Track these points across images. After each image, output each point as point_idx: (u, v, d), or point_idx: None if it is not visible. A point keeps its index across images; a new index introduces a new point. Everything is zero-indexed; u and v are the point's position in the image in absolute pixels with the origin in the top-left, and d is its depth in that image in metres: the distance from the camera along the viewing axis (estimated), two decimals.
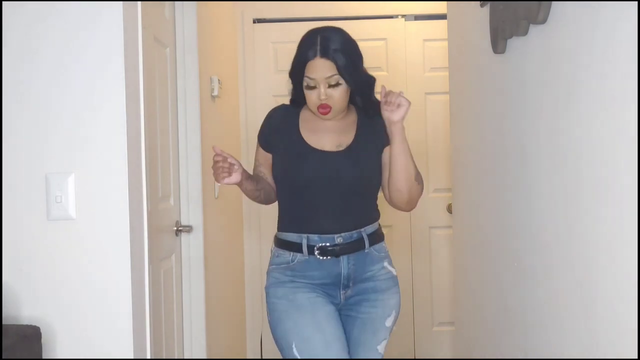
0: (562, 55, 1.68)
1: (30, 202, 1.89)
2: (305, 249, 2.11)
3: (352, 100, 2.16)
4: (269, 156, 2.22)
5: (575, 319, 1.65)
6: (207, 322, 2.96)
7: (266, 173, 2.24)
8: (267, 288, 2.18)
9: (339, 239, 2.11)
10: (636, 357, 1.31)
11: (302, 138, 2.16)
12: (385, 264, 2.19)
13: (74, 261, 1.90)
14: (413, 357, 4.27)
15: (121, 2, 1.89)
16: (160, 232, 2.58)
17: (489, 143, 2.40)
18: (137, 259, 1.96)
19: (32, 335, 1.76)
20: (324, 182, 2.11)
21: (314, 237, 2.11)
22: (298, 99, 2.19)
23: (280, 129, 2.19)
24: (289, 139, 2.17)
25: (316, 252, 2.10)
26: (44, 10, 1.89)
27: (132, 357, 1.91)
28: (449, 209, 3.49)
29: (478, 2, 2.34)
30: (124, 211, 1.89)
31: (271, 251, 2.21)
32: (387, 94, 2.11)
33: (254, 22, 4.23)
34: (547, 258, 1.83)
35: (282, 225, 2.19)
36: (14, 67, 1.89)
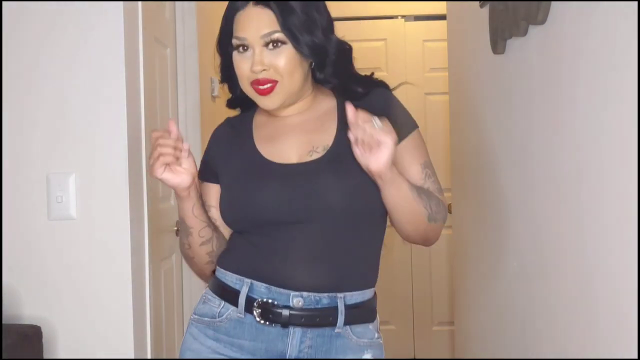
0: (561, 55, 1.68)
1: (31, 202, 1.89)
2: (242, 300, 1.40)
3: (316, 77, 1.48)
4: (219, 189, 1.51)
5: (575, 318, 1.65)
6: None
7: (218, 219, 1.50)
8: (181, 349, 1.49)
9: (296, 299, 1.38)
10: (636, 357, 1.31)
11: (254, 149, 1.48)
12: (368, 356, 1.44)
13: (74, 261, 1.90)
14: (413, 357, 4.27)
15: (121, 2, 1.89)
16: (161, 232, 2.58)
17: (489, 143, 2.40)
18: (138, 259, 1.96)
19: (33, 335, 1.76)
20: (288, 212, 1.39)
21: (261, 287, 1.40)
22: (235, 91, 1.52)
23: (226, 147, 1.54)
24: (238, 155, 1.50)
25: (255, 311, 1.39)
26: (44, 11, 1.89)
27: (132, 357, 1.91)
28: (449, 209, 3.49)
29: (478, 3, 2.34)
30: (125, 211, 1.90)
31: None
32: (357, 117, 1.29)
33: None
34: (547, 258, 1.84)
35: (224, 259, 1.48)
36: (14, 67, 1.89)
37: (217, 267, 1.48)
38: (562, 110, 1.69)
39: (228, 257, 1.47)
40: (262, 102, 1.43)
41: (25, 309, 1.89)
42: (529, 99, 1.94)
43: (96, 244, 1.90)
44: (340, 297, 1.40)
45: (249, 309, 1.40)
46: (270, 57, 1.38)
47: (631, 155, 1.31)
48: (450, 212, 3.32)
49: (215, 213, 1.49)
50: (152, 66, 2.44)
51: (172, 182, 1.40)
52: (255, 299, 1.39)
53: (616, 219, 1.41)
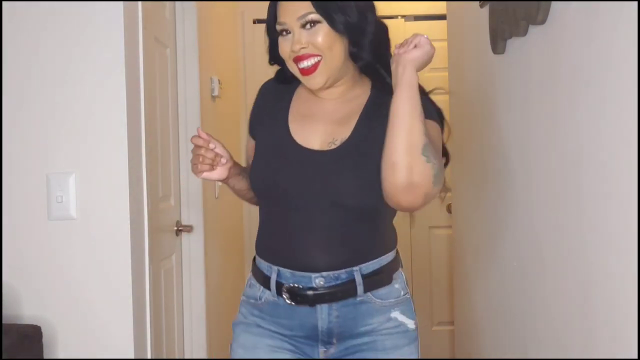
0: (561, 55, 1.68)
1: (31, 202, 1.89)
2: (273, 286, 1.55)
3: (353, 57, 1.54)
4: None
5: (575, 318, 1.65)
6: (207, 322, 2.96)
7: None
8: (233, 324, 1.67)
9: (318, 280, 1.50)
10: (636, 357, 1.31)
11: (287, 127, 1.58)
12: (395, 314, 1.54)
13: (74, 261, 1.90)
14: None
15: (121, 2, 1.89)
16: (161, 232, 2.58)
17: (489, 143, 2.40)
18: (138, 259, 1.96)
19: (33, 335, 1.76)
20: (303, 196, 1.50)
21: (286, 272, 1.53)
22: (286, 71, 1.60)
23: (266, 108, 1.65)
24: (273, 125, 1.61)
25: (284, 295, 1.53)
26: (44, 11, 1.89)
27: (132, 357, 1.91)
28: (449, 209, 3.49)
29: (478, 3, 2.34)
30: (125, 211, 1.90)
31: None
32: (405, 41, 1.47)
33: (254, 22, 4.23)
34: (547, 258, 1.84)
35: (258, 247, 1.63)
36: (15, 68, 1.89)
37: (256, 254, 1.63)
38: (562, 110, 1.69)
39: (260, 245, 1.62)
40: (308, 81, 1.53)
41: (25, 309, 1.89)
42: (528, 99, 1.94)
43: (96, 244, 1.90)
44: (356, 270, 1.52)
45: (279, 292, 1.55)
46: (307, 36, 1.49)
47: (631, 154, 1.31)
48: (450, 212, 3.32)
49: None
50: (152, 66, 2.44)
51: (212, 178, 1.60)
52: (283, 284, 1.53)
53: (616, 219, 1.41)
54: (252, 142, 1.66)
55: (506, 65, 2.14)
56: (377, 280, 1.53)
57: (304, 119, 1.58)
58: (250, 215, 4.20)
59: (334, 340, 1.55)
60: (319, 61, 1.50)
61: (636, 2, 1.28)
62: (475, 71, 2.57)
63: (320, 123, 1.56)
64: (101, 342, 1.90)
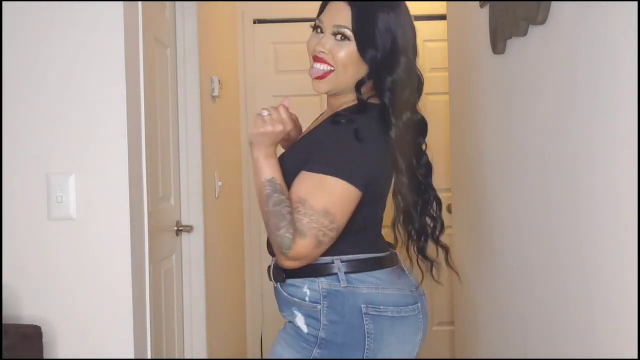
0: (561, 55, 1.68)
1: (31, 202, 1.89)
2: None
3: (357, 85, 1.60)
4: None
5: (575, 318, 1.65)
6: (207, 322, 2.96)
7: None
8: None
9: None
10: (636, 357, 1.31)
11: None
12: (297, 312, 1.60)
13: (74, 261, 1.90)
14: (413, 357, 4.27)
15: (121, 2, 1.89)
16: (161, 232, 2.58)
17: (489, 143, 2.40)
18: (138, 259, 1.96)
19: (33, 335, 1.76)
20: None
21: None
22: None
23: None
24: None
25: None
26: (44, 11, 1.89)
27: (132, 357, 1.91)
28: (449, 209, 3.49)
29: (478, 3, 2.34)
30: (125, 211, 1.90)
31: None
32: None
33: (254, 22, 4.23)
34: (547, 258, 1.84)
35: None
36: (15, 68, 1.89)
37: None
38: (562, 110, 1.69)
39: None
40: (314, 84, 1.62)
41: (25, 309, 1.89)
42: (528, 99, 1.94)
43: (96, 244, 1.90)
44: (273, 259, 1.63)
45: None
46: (333, 45, 1.57)
47: (631, 154, 1.31)
48: (450, 212, 3.32)
49: None
50: (152, 66, 2.44)
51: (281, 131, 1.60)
52: None
53: (616, 219, 1.41)
54: None
55: (506, 65, 2.14)
56: (277, 274, 1.62)
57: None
58: (250, 215, 4.20)
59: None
60: (330, 71, 1.58)
61: (636, 2, 1.28)
62: (475, 71, 2.57)
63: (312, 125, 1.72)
64: (101, 342, 1.90)
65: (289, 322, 1.64)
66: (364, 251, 1.61)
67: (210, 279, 3.05)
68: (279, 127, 1.55)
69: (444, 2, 3.23)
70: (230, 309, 3.72)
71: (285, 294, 1.62)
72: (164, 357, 2.56)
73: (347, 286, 1.56)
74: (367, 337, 1.55)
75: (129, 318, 1.90)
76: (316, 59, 1.59)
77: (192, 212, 2.92)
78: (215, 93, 3.29)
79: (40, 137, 1.89)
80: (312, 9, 1.77)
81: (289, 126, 1.58)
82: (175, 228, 2.82)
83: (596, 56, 1.48)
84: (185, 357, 2.88)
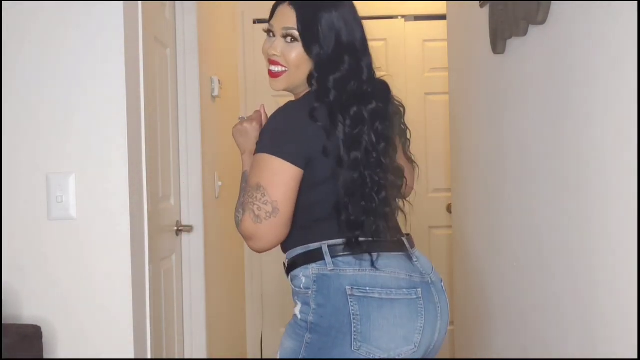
0: (561, 55, 1.68)
1: (31, 202, 1.89)
2: None
3: (308, 80, 1.68)
4: None
5: (575, 318, 1.65)
6: (207, 322, 2.96)
7: None
8: None
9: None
10: (636, 357, 1.31)
11: None
12: (298, 300, 1.66)
13: (74, 261, 1.90)
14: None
15: (121, 2, 1.89)
16: (161, 232, 2.58)
17: (489, 143, 2.40)
18: (138, 259, 1.96)
19: (33, 335, 1.76)
20: None
21: None
22: None
23: None
24: None
25: None
26: (44, 11, 1.89)
27: (132, 357, 1.91)
28: (449, 209, 3.49)
29: (478, 3, 2.34)
30: (125, 211, 1.90)
31: None
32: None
33: (254, 22, 4.23)
34: (547, 258, 1.84)
35: None
36: (14, 68, 1.89)
37: None
38: (562, 110, 1.69)
39: None
40: (271, 82, 1.72)
41: (25, 309, 1.89)
42: (528, 99, 1.94)
43: (96, 244, 1.90)
44: (285, 255, 1.70)
45: None
46: (284, 47, 1.66)
47: (631, 154, 1.31)
48: (450, 212, 3.32)
49: None
50: (152, 66, 2.44)
51: None
52: None
53: (616, 218, 1.41)
54: None
55: (506, 65, 2.14)
56: (290, 264, 1.67)
57: None
58: None
59: None
60: (284, 71, 1.67)
61: (636, 2, 1.28)
62: (475, 71, 2.57)
63: None
64: (101, 342, 1.90)
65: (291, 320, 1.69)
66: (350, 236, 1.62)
67: (210, 279, 3.05)
68: (253, 124, 1.76)
69: (444, 2, 3.23)
70: (230, 309, 3.72)
71: (292, 286, 1.68)
72: (164, 357, 2.56)
73: (333, 269, 1.59)
74: (353, 319, 1.54)
75: (129, 318, 1.90)
76: (271, 61, 1.69)
77: (192, 212, 2.92)
78: (215, 93, 3.29)
79: (40, 137, 1.89)
80: None
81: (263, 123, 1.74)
82: (175, 228, 2.82)
83: (596, 56, 1.48)
84: (185, 357, 2.88)
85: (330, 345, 1.56)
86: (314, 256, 1.61)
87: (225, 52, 3.82)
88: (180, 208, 2.89)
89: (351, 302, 1.55)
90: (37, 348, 1.77)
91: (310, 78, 1.66)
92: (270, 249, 1.63)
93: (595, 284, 1.52)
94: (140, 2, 2.03)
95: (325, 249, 1.60)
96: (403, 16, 4.20)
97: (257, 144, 1.64)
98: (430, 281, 1.65)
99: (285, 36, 1.66)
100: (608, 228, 1.45)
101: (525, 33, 1.91)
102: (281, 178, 1.57)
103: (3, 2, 1.89)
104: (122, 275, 1.90)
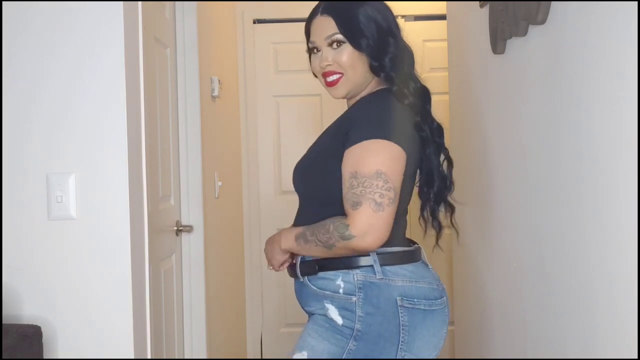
0: (561, 55, 1.68)
1: (31, 202, 1.89)
2: None
3: (377, 73, 1.71)
4: None
5: (575, 318, 1.65)
6: (207, 322, 2.96)
7: None
8: None
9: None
10: (636, 357, 1.31)
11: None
12: (329, 305, 1.64)
13: (74, 261, 1.90)
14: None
15: (121, 2, 1.89)
16: (161, 232, 2.58)
17: (489, 143, 2.40)
18: (138, 259, 1.96)
19: (33, 335, 1.76)
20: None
21: None
22: None
23: None
24: None
25: None
26: (44, 11, 1.89)
27: (132, 357, 1.91)
28: None
29: (478, 3, 2.34)
30: (125, 211, 1.90)
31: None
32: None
33: (254, 22, 4.23)
34: (547, 258, 1.84)
35: None
36: (14, 68, 1.89)
37: None
38: (562, 110, 1.69)
39: None
40: (331, 92, 1.73)
41: (25, 309, 1.89)
42: (528, 99, 1.94)
43: (96, 244, 1.90)
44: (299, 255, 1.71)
45: None
46: (333, 54, 1.69)
47: (631, 154, 1.31)
48: None
49: None
50: (152, 66, 2.44)
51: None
52: None
53: (616, 220, 1.41)
54: None
55: (506, 65, 2.14)
56: (312, 268, 1.67)
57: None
58: (250, 215, 4.20)
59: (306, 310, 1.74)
60: (340, 77, 1.69)
61: (636, 2, 1.28)
62: (475, 71, 2.57)
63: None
64: (101, 342, 1.90)
65: (318, 315, 1.67)
66: (396, 244, 1.66)
67: (210, 279, 3.05)
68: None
69: (444, 2, 3.23)
70: (230, 309, 3.72)
71: (315, 288, 1.66)
72: (164, 357, 2.56)
73: (382, 278, 1.60)
74: (402, 329, 1.59)
75: (129, 318, 1.90)
76: (326, 74, 1.71)
77: (192, 212, 2.92)
78: (215, 93, 3.29)
79: (40, 137, 1.89)
80: (311, 10, 1.80)
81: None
82: (175, 228, 2.82)
83: (596, 56, 1.48)
84: (185, 357, 2.88)
85: (376, 353, 1.59)
86: (357, 262, 1.61)
87: (225, 52, 3.82)
88: (180, 208, 2.90)
89: (401, 313, 1.59)
90: (37, 348, 1.77)
91: (376, 69, 1.69)
92: (381, 244, 1.54)
93: (595, 284, 1.52)
94: (140, 2, 2.03)
95: (374, 257, 1.61)
96: (403, 16, 4.20)
97: (357, 134, 1.57)
98: (444, 287, 1.72)
99: (330, 44, 1.70)
100: (608, 228, 1.45)
101: (525, 33, 1.91)
102: (399, 165, 1.56)
103: (3, 2, 1.89)
104: (122, 275, 1.89)
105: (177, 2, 2.88)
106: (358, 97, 1.74)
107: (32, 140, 1.90)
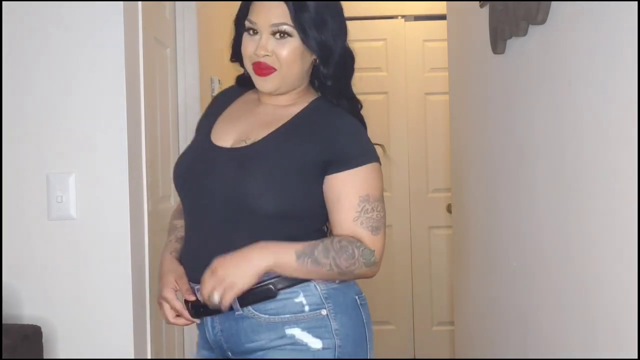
0: (561, 55, 1.68)
1: (31, 202, 1.89)
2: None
3: (317, 76, 1.55)
4: None
5: (575, 319, 1.65)
6: None
7: None
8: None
9: (198, 292, 1.45)
10: (636, 357, 1.31)
11: (211, 125, 1.59)
12: (292, 330, 1.42)
13: (75, 261, 1.90)
14: (413, 357, 4.27)
15: (121, 2, 1.89)
16: (161, 232, 2.58)
17: (489, 143, 2.40)
18: (138, 259, 1.96)
19: (33, 335, 1.76)
20: (196, 193, 1.49)
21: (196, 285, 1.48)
22: (242, 74, 1.64)
23: (212, 114, 1.64)
24: (204, 126, 1.62)
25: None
26: (44, 11, 1.89)
27: (132, 357, 1.91)
28: (449, 209, 3.49)
29: (478, 3, 2.34)
30: (125, 211, 1.90)
31: None
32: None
33: None
34: (547, 257, 1.84)
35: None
36: (15, 68, 1.89)
37: None
38: (562, 111, 1.69)
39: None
40: (259, 83, 1.51)
41: (25, 309, 1.89)
42: (529, 99, 1.94)
43: (96, 244, 1.90)
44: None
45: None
46: (275, 45, 1.47)
47: (631, 154, 1.31)
48: (450, 212, 3.32)
49: None
50: (152, 66, 2.44)
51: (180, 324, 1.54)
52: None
53: (616, 219, 1.41)
54: None
55: (506, 65, 2.14)
56: (258, 293, 1.41)
57: (232, 120, 1.57)
58: None
59: (230, 355, 1.48)
60: (273, 72, 1.49)
61: (636, 2, 1.28)
62: (475, 71, 2.57)
63: (244, 124, 1.54)
64: (101, 342, 1.90)
65: (280, 348, 1.42)
66: None
67: None
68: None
69: (444, 2, 3.23)
70: None
71: (266, 316, 1.42)
72: (164, 357, 2.56)
73: (340, 281, 1.47)
74: (366, 328, 1.50)
75: (129, 318, 1.90)
76: (259, 65, 1.49)
77: None
78: (215, 93, 3.29)
79: (40, 137, 1.89)
80: None
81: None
82: None
83: (596, 56, 1.48)
84: (185, 357, 2.88)
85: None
86: None
87: (225, 52, 3.81)
88: None
89: (362, 311, 1.50)
90: (37, 348, 1.77)
91: (324, 76, 1.52)
92: None
93: (596, 284, 1.52)
94: (140, 2, 2.03)
95: None
96: (403, 16, 4.20)
97: (356, 156, 1.46)
98: None
99: (274, 33, 1.47)
100: (608, 228, 1.45)
101: (525, 33, 1.90)
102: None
103: (3, 2, 1.89)
104: (122, 275, 1.89)
105: (177, 2, 2.88)
106: (287, 103, 1.54)
107: (32, 140, 1.90)
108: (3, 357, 1.58)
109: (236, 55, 1.61)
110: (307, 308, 1.43)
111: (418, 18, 4.22)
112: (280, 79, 1.50)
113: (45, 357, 1.83)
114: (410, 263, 4.26)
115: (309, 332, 1.41)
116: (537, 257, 1.92)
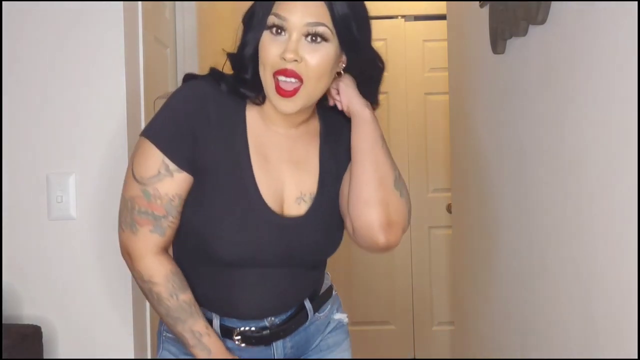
0: (561, 55, 1.68)
1: (31, 202, 1.89)
2: (217, 329, 1.38)
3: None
4: (190, 181, 1.30)
5: (575, 319, 1.65)
6: None
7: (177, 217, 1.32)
8: None
9: (269, 319, 1.39)
10: (636, 357, 1.31)
11: (252, 179, 1.30)
12: (334, 315, 1.50)
13: (74, 261, 1.90)
14: (413, 357, 4.27)
15: (121, 2, 1.89)
16: None
17: (489, 143, 2.40)
18: None
19: (33, 335, 1.76)
20: (272, 263, 1.34)
21: (232, 318, 1.39)
22: (243, 73, 1.31)
23: (215, 137, 1.29)
24: (233, 168, 1.30)
25: (234, 338, 1.38)
26: (43, 11, 1.89)
27: (132, 357, 1.91)
28: (449, 209, 3.49)
29: (477, 3, 2.34)
30: None
31: None
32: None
33: None
34: (547, 258, 1.84)
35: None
36: (15, 68, 1.89)
37: None
38: (562, 110, 1.69)
39: (192, 285, 1.37)
40: (281, 104, 1.25)
41: (25, 309, 1.89)
42: (528, 99, 1.94)
43: (96, 244, 1.90)
44: (306, 300, 1.44)
45: (226, 334, 1.37)
46: (307, 49, 1.22)
47: (631, 154, 1.31)
48: (450, 212, 3.32)
49: (176, 210, 1.30)
50: (152, 66, 2.44)
51: None
52: (230, 327, 1.38)
53: (616, 219, 1.41)
54: (185, 180, 1.29)
55: (506, 65, 2.14)
56: (324, 297, 1.48)
57: (266, 162, 1.32)
58: None
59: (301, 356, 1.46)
60: (299, 87, 1.24)
61: (636, 2, 1.28)
62: (475, 71, 2.57)
63: (283, 169, 1.34)
64: (101, 342, 1.90)
65: (333, 334, 1.51)
66: None
67: None
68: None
69: (444, 2, 3.23)
70: None
71: (323, 314, 1.49)
72: None
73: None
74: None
75: (128, 318, 1.90)
76: (285, 72, 1.22)
77: None
78: None
79: (40, 137, 1.89)
80: None
81: None
82: None
83: (596, 56, 1.48)
84: None
85: None
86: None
87: (224, 53, 3.81)
88: None
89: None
90: (37, 348, 1.77)
91: (366, 95, 1.33)
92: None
93: (595, 284, 1.52)
94: (140, 2, 2.03)
95: None
96: (403, 16, 4.20)
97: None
98: None
99: (308, 34, 1.22)
100: (608, 228, 1.45)
101: (525, 33, 1.91)
102: None
103: (3, 2, 1.89)
104: (122, 276, 1.89)
105: (177, 2, 2.88)
106: (302, 120, 1.34)
107: (32, 140, 1.90)
108: (3, 357, 1.58)
109: (242, 63, 1.34)
110: (334, 292, 1.53)
111: (418, 18, 4.23)
112: (306, 97, 1.25)
113: (45, 357, 1.83)
114: (410, 263, 4.26)
115: (338, 311, 1.53)
116: (537, 257, 1.92)
